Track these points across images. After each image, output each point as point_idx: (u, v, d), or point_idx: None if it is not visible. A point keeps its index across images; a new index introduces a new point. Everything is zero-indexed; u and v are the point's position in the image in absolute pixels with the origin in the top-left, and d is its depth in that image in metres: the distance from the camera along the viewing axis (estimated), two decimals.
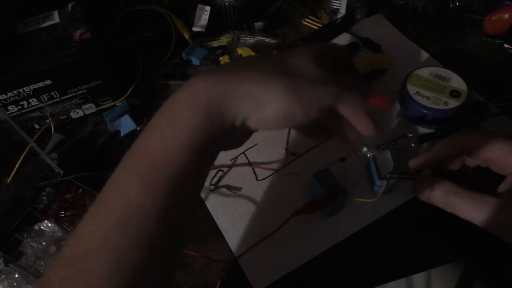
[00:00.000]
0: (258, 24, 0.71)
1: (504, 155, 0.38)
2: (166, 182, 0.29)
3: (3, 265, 0.47)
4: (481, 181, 0.40)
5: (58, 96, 0.57)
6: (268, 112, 0.31)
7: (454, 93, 0.54)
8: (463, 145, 0.40)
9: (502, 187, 0.38)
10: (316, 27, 0.72)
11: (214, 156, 0.33)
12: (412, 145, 0.49)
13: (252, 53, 0.64)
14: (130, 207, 0.28)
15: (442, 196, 0.39)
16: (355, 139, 0.38)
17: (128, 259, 0.27)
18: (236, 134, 0.33)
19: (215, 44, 0.70)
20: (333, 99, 0.33)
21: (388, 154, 0.49)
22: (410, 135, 0.45)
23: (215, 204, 0.52)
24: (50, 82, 0.55)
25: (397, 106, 0.59)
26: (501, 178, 0.38)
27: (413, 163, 0.42)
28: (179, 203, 0.30)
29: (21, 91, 0.54)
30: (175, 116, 0.31)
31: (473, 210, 0.37)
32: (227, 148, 0.35)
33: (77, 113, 0.61)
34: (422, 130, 0.56)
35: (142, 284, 0.28)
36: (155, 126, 0.31)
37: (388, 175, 0.47)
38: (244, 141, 0.38)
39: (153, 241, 0.28)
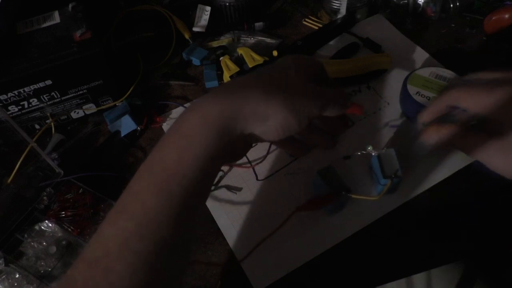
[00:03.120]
0: (259, 24, 0.71)
1: (499, 109, 0.38)
2: (180, 192, 0.33)
3: (3, 265, 0.48)
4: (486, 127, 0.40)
5: (59, 96, 0.57)
6: (270, 125, 0.36)
7: None
8: (458, 100, 0.40)
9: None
10: (316, 27, 0.72)
11: (220, 167, 0.38)
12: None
13: (253, 53, 0.64)
14: (148, 214, 0.32)
15: (446, 136, 0.41)
16: (330, 145, 0.45)
17: (146, 261, 0.30)
18: (240, 147, 0.39)
19: (215, 44, 0.70)
20: (320, 110, 0.38)
21: (392, 153, 0.49)
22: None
23: (215, 204, 0.52)
24: (51, 82, 0.55)
25: (398, 106, 0.59)
26: None
27: (421, 117, 0.44)
28: (190, 209, 0.34)
29: (22, 91, 0.54)
30: (189, 133, 0.34)
31: (480, 150, 0.39)
32: (231, 160, 0.40)
33: (78, 113, 0.61)
34: None
35: (158, 282, 0.31)
36: (169, 142, 0.35)
37: (392, 175, 0.47)
38: (245, 153, 0.42)
39: (168, 244, 0.32)
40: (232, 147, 0.35)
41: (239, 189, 0.53)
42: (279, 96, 0.36)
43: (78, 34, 0.56)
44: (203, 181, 0.34)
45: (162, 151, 0.35)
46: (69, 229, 0.50)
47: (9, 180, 0.52)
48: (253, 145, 0.41)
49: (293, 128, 0.37)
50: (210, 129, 0.34)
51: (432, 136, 0.42)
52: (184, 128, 0.35)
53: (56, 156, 0.55)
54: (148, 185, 0.33)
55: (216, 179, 0.54)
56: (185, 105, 0.62)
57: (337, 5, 0.70)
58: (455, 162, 0.52)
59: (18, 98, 0.55)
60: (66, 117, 0.61)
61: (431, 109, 0.42)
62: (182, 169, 0.33)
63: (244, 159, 0.55)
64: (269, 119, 0.36)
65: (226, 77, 0.62)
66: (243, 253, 0.47)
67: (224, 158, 0.36)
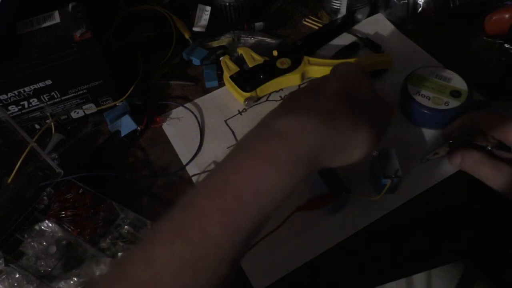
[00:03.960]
0: (259, 24, 0.71)
1: None
2: (248, 227, 0.29)
3: (3, 265, 0.48)
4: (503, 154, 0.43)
5: (59, 96, 0.57)
6: (355, 154, 0.34)
7: (455, 93, 0.54)
8: (479, 124, 0.43)
9: None
10: (316, 27, 0.72)
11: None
12: None
13: (253, 53, 0.64)
14: (209, 246, 0.28)
15: (470, 163, 0.44)
16: None
17: None
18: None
19: (215, 44, 0.70)
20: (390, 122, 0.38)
21: (393, 153, 0.49)
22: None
23: None
24: (51, 82, 0.55)
25: (398, 106, 0.59)
26: None
27: (443, 132, 0.48)
28: (250, 245, 0.31)
29: (22, 91, 0.54)
30: (272, 162, 0.30)
31: (492, 176, 0.41)
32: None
33: (78, 113, 0.61)
34: (424, 130, 0.56)
35: None
36: (247, 164, 0.31)
37: (392, 174, 0.47)
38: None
39: (221, 285, 0.28)
40: (311, 177, 0.33)
41: None
42: (365, 123, 0.33)
43: (78, 34, 0.56)
44: (271, 215, 0.31)
45: (238, 173, 0.30)
46: (69, 229, 0.50)
47: (9, 180, 0.52)
48: None
49: (372, 150, 0.35)
50: (297, 161, 0.30)
51: (456, 160, 0.45)
52: (267, 154, 0.30)
53: (56, 156, 0.55)
54: (215, 210, 0.29)
55: None
56: (185, 105, 0.62)
57: (337, 5, 0.70)
58: None
59: (18, 98, 0.55)
60: (66, 117, 0.61)
61: (454, 126, 0.43)
62: (256, 201, 0.29)
63: None
64: (356, 149, 0.33)
65: (226, 77, 0.62)
66: None
67: (296, 188, 0.32)
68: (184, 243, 0.28)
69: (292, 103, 0.35)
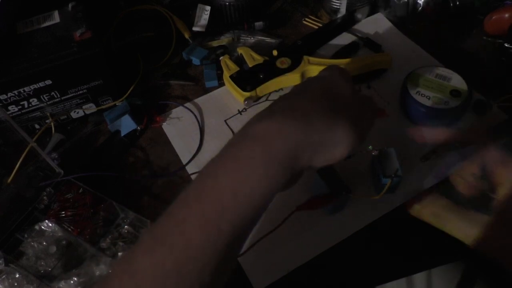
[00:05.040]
0: (259, 24, 0.71)
1: (499, 170, 0.39)
2: (229, 229, 0.29)
3: (3, 265, 0.48)
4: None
5: (59, 96, 0.57)
6: (337, 152, 0.33)
7: (455, 93, 0.54)
8: (484, 163, 0.41)
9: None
10: (316, 27, 0.72)
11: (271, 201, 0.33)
12: None
13: (253, 53, 0.64)
14: (191, 252, 0.28)
15: (433, 211, 0.42)
16: None
17: None
18: (296, 177, 0.35)
19: (215, 44, 0.70)
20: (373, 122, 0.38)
21: (392, 152, 0.49)
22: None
23: None
24: (51, 82, 0.55)
25: (398, 106, 0.59)
26: None
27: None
28: (235, 249, 0.31)
29: (22, 91, 0.54)
30: (248, 164, 0.30)
31: (460, 225, 0.40)
32: (284, 189, 0.35)
33: (78, 113, 0.61)
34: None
35: None
36: (225, 169, 0.31)
37: (392, 174, 0.47)
38: (298, 180, 0.37)
39: None
40: (290, 179, 0.32)
41: None
42: (344, 120, 0.33)
43: (78, 34, 0.56)
44: (254, 219, 0.31)
45: (216, 178, 0.30)
46: (69, 229, 0.50)
47: (9, 180, 0.52)
48: None
49: (356, 147, 0.34)
50: (274, 162, 0.30)
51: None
52: (243, 157, 0.30)
53: (56, 156, 0.55)
54: (195, 216, 0.29)
55: None
56: (185, 104, 0.62)
57: (337, 4, 0.70)
58: None
59: (18, 98, 0.55)
60: (66, 117, 0.61)
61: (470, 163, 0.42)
62: (235, 205, 0.29)
63: None
64: (337, 147, 0.33)
65: (226, 76, 0.62)
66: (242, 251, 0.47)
67: (278, 191, 0.32)
68: (165, 251, 0.28)
69: (270, 107, 0.35)
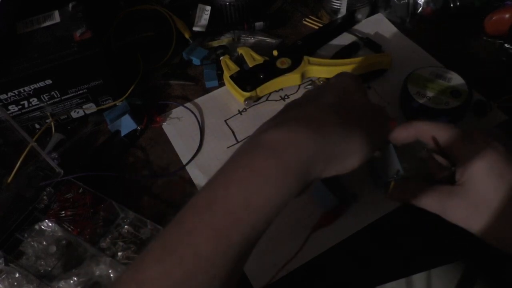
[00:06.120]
0: (259, 24, 0.71)
1: (455, 144, 0.39)
2: (240, 241, 0.28)
3: (3, 264, 0.48)
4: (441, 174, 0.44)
5: (59, 95, 0.57)
6: (349, 163, 0.33)
7: (455, 93, 0.54)
8: (416, 133, 0.41)
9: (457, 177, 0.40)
10: (316, 27, 0.72)
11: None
12: None
13: (253, 53, 0.64)
14: (200, 262, 0.27)
15: (413, 194, 0.42)
16: None
17: None
18: (307, 187, 0.33)
19: (215, 44, 0.70)
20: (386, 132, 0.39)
21: (393, 152, 0.49)
22: None
23: None
24: (51, 81, 0.55)
25: (398, 106, 0.59)
26: None
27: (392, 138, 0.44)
28: (244, 260, 0.30)
29: (22, 91, 0.54)
30: (261, 175, 0.29)
31: (430, 199, 0.40)
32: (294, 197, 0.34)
33: (78, 112, 0.61)
34: None
35: None
36: (237, 178, 0.30)
37: (394, 175, 0.47)
38: (307, 189, 0.36)
39: None
40: (306, 188, 0.32)
41: None
42: (359, 132, 0.33)
43: (78, 34, 0.56)
44: (265, 228, 0.30)
45: (227, 188, 0.30)
46: (69, 229, 0.50)
47: (9, 180, 0.52)
48: None
49: (368, 157, 0.34)
50: (288, 174, 0.29)
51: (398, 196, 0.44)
52: (256, 168, 0.30)
53: (56, 156, 0.55)
54: (206, 226, 0.28)
55: None
56: (185, 104, 0.62)
57: (337, 5, 0.70)
58: None
59: (18, 98, 0.55)
60: (66, 116, 0.61)
61: (400, 130, 0.42)
62: (247, 217, 0.29)
63: None
64: (349, 158, 0.33)
65: (226, 76, 0.62)
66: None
67: (289, 201, 0.31)
68: (174, 262, 0.28)
69: (282, 114, 0.35)
